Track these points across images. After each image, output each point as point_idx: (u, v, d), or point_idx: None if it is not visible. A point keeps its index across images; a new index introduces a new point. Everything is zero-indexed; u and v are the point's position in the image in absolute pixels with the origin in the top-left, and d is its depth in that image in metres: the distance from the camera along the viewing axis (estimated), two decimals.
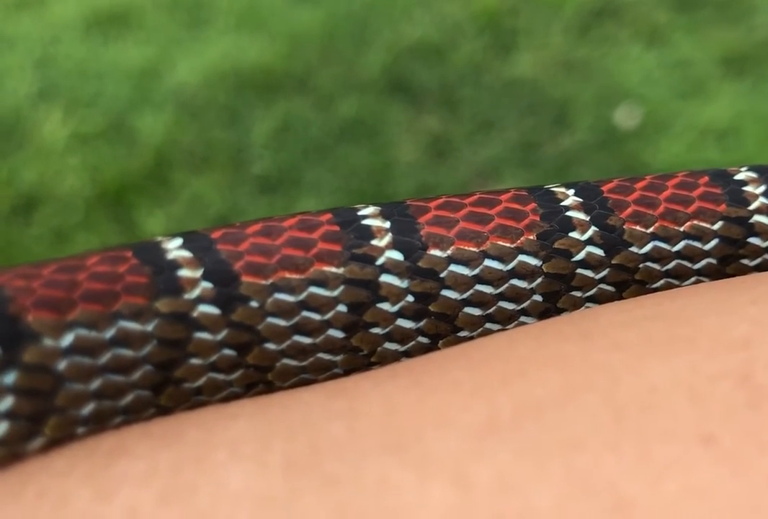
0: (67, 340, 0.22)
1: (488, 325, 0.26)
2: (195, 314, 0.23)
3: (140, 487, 0.20)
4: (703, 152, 1.52)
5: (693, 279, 0.27)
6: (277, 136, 1.56)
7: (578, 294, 0.27)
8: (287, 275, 0.24)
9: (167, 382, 0.23)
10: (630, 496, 0.18)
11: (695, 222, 0.27)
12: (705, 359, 0.21)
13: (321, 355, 0.25)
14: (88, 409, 0.22)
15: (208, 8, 1.76)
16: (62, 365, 0.22)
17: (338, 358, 0.25)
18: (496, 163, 1.51)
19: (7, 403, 0.21)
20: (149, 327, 0.23)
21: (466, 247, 0.25)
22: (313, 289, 0.24)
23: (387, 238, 0.25)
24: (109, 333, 0.23)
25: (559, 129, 1.56)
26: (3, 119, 1.58)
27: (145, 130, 1.56)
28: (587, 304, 0.27)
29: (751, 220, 0.27)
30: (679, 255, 0.27)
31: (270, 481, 0.20)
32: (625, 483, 0.18)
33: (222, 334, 0.24)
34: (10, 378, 0.21)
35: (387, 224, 0.25)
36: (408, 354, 0.26)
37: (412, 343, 0.26)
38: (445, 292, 0.25)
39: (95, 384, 0.22)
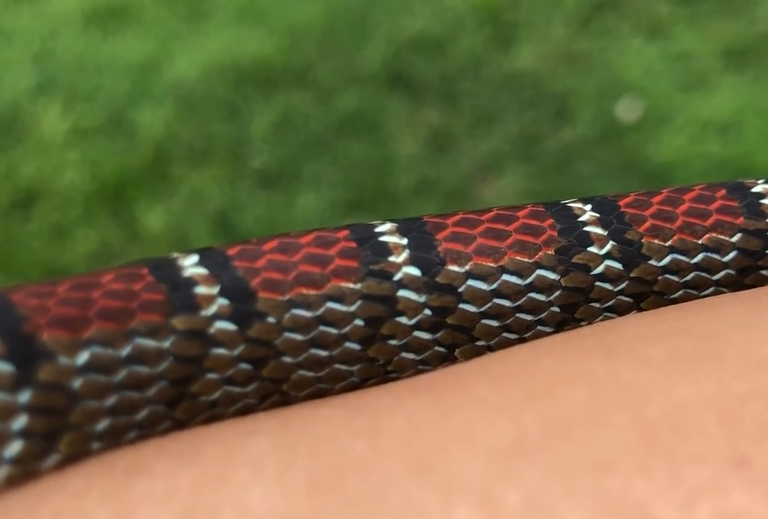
0: (83, 358, 0.22)
1: (505, 335, 0.26)
2: (212, 331, 0.23)
3: (161, 507, 0.20)
4: (704, 145, 1.52)
5: (712, 289, 0.27)
6: (277, 130, 1.55)
7: (596, 305, 0.27)
8: (304, 291, 0.24)
9: (183, 397, 0.23)
10: None
11: (713, 235, 0.27)
12: (734, 378, 0.20)
13: (337, 365, 0.25)
14: (102, 424, 0.22)
15: (208, 1, 1.75)
16: (77, 383, 0.22)
17: (354, 368, 0.25)
18: (497, 156, 1.51)
19: (22, 421, 0.21)
20: (166, 344, 0.23)
21: (484, 263, 0.25)
22: (331, 305, 0.24)
23: (404, 255, 0.25)
24: (125, 350, 0.22)
25: (560, 122, 1.56)
26: (2, 114, 1.57)
27: (144, 125, 1.55)
28: (605, 314, 0.27)
29: None
30: (697, 267, 0.27)
31: (293, 501, 0.19)
32: (657, 506, 0.18)
33: (239, 350, 0.24)
34: (25, 396, 0.21)
35: (404, 241, 0.25)
36: (424, 362, 0.26)
37: (429, 352, 0.26)
38: (463, 306, 0.25)
39: (111, 401, 0.22)
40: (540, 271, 0.26)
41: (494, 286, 0.25)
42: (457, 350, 0.26)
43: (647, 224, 0.27)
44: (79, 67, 1.65)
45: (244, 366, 0.24)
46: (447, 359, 0.26)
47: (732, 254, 0.27)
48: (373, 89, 1.60)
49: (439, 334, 0.25)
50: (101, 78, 1.63)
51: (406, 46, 1.66)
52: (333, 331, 0.24)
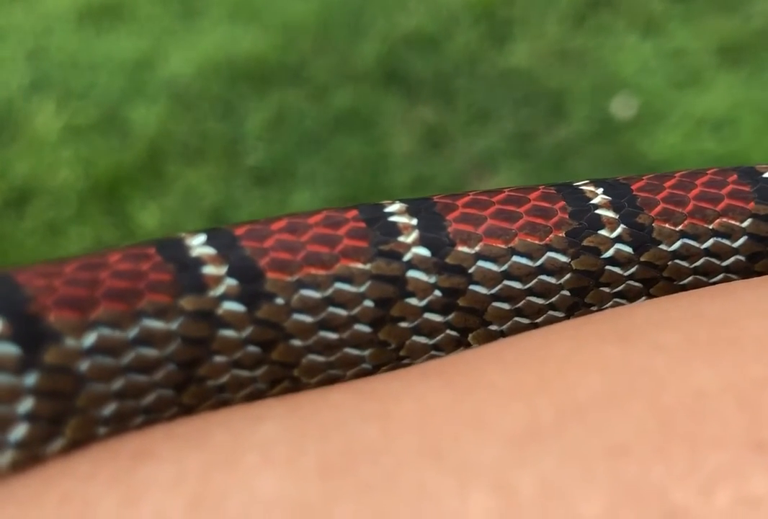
0: (90, 339, 0.22)
1: (517, 319, 0.26)
2: (220, 312, 0.23)
3: (169, 492, 0.19)
4: (699, 142, 1.52)
5: (721, 276, 0.27)
6: (272, 128, 1.55)
7: (606, 289, 0.27)
8: (313, 271, 0.24)
9: (190, 381, 0.23)
10: (682, 505, 0.18)
11: (724, 219, 0.27)
12: (751, 362, 0.20)
13: (348, 349, 0.25)
14: (109, 409, 0.22)
15: None
16: (84, 366, 0.22)
17: (366, 352, 0.25)
18: (492, 153, 1.51)
19: (27, 404, 0.21)
20: (173, 325, 0.23)
21: (494, 244, 0.25)
22: (339, 285, 0.24)
23: (414, 235, 0.25)
24: (133, 332, 0.22)
25: (555, 119, 1.56)
26: None
27: (138, 122, 1.55)
28: (615, 300, 0.27)
29: None
30: (707, 252, 0.27)
31: (304, 486, 0.19)
32: (676, 491, 0.18)
33: (247, 332, 0.23)
34: (31, 379, 0.21)
35: (414, 221, 0.25)
36: (437, 347, 0.26)
37: (441, 335, 0.25)
38: (474, 287, 0.25)
39: (117, 384, 0.22)
40: (550, 254, 0.26)
41: (504, 267, 0.25)
42: (470, 335, 0.26)
43: (659, 208, 0.27)
44: (73, 64, 1.64)
45: (253, 348, 0.23)
46: (460, 344, 0.25)
47: (742, 240, 0.27)
48: (368, 86, 1.60)
49: (450, 317, 0.25)
50: (95, 75, 1.63)
51: (401, 43, 1.66)
52: (342, 312, 0.24)
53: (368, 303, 0.24)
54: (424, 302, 0.25)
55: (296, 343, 0.24)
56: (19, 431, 0.21)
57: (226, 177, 1.49)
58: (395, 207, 0.25)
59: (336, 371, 0.25)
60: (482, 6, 1.71)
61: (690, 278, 0.27)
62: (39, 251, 1.40)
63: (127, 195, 1.46)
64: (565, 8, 1.71)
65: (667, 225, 0.27)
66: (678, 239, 0.27)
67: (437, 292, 0.25)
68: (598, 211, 0.26)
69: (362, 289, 0.24)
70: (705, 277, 0.27)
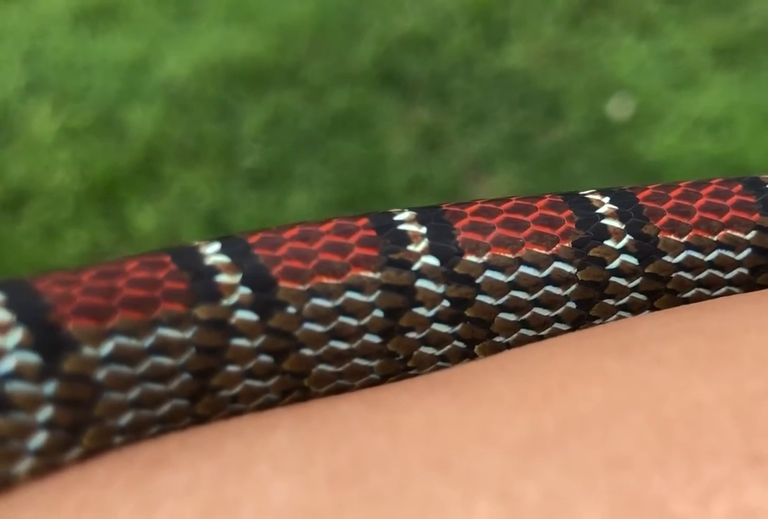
0: (107, 348, 0.22)
1: (523, 331, 0.26)
2: (233, 321, 0.23)
3: (183, 499, 0.20)
4: (696, 143, 1.53)
5: (724, 289, 0.27)
6: (268, 129, 1.55)
7: (611, 302, 0.27)
8: (324, 280, 0.24)
9: (204, 391, 0.23)
10: (680, 516, 0.18)
11: (728, 231, 0.27)
12: (749, 376, 0.20)
13: (357, 360, 0.25)
14: (125, 418, 0.22)
15: (197, 0, 1.75)
16: (101, 374, 0.22)
17: (375, 363, 0.25)
18: (489, 155, 1.51)
19: (47, 413, 0.21)
20: (188, 334, 0.23)
21: (502, 254, 0.25)
22: (350, 294, 0.24)
23: (423, 244, 0.25)
24: (148, 341, 0.22)
25: (552, 120, 1.56)
26: None
27: (134, 124, 1.55)
28: (620, 313, 0.27)
29: None
30: (711, 264, 0.27)
31: (314, 494, 0.19)
32: (675, 502, 0.18)
33: (259, 341, 0.24)
34: (51, 388, 0.21)
35: (423, 229, 0.25)
36: (444, 358, 0.26)
37: (448, 347, 0.26)
38: (481, 298, 0.25)
39: (133, 393, 0.22)
40: (557, 264, 0.26)
41: (512, 277, 0.25)
42: (476, 346, 0.26)
43: (664, 219, 0.27)
44: (69, 66, 1.64)
45: (265, 358, 0.24)
46: (466, 356, 0.26)
47: (746, 252, 0.27)
48: (364, 88, 1.60)
49: (458, 328, 0.25)
50: (91, 77, 1.63)
51: (397, 45, 1.66)
52: (352, 322, 0.24)
53: (378, 313, 0.25)
54: (432, 312, 0.25)
55: (307, 352, 0.24)
56: (38, 439, 0.21)
57: (223, 179, 1.49)
58: (405, 215, 0.26)
59: (345, 381, 0.25)
60: (478, 7, 1.71)
61: (693, 291, 0.27)
62: (35, 254, 1.40)
63: (124, 197, 1.47)
64: (560, 9, 1.72)
65: (672, 236, 0.27)
66: (683, 251, 0.27)
67: (445, 302, 0.25)
68: (604, 221, 0.26)
69: (372, 298, 0.24)
70: (708, 289, 0.27)
